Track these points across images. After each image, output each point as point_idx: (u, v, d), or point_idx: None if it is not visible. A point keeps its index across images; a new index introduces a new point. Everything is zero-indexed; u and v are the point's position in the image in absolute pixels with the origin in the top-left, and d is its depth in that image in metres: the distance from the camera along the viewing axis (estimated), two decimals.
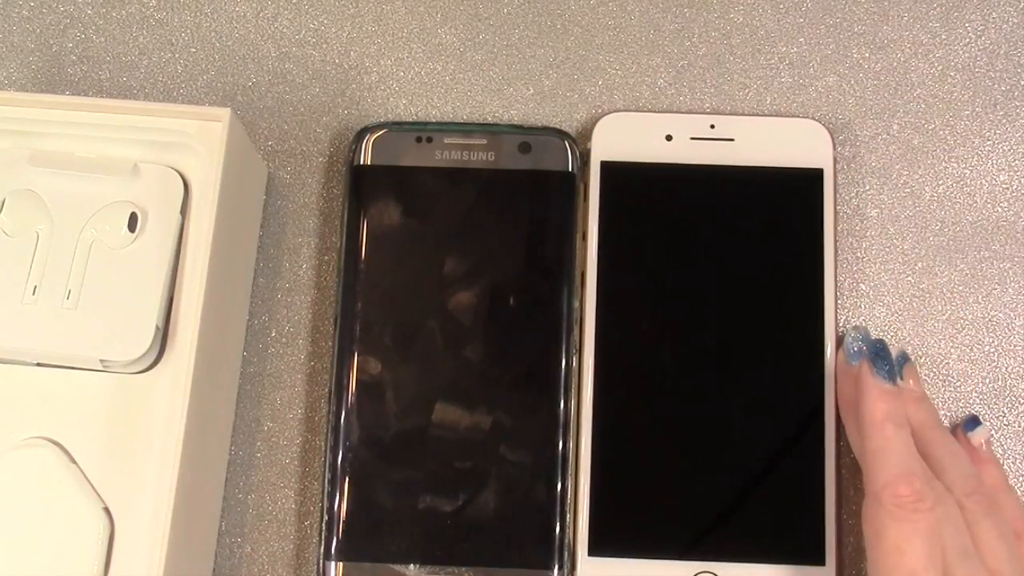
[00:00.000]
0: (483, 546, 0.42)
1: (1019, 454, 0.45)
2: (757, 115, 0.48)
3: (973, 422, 0.43)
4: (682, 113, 0.47)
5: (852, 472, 0.44)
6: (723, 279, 0.44)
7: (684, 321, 0.44)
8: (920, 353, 0.46)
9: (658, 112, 0.48)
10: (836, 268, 0.45)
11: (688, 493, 0.43)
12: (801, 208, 0.45)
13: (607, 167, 0.45)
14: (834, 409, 0.43)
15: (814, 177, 0.45)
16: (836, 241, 0.45)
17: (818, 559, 0.42)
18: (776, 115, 0.48)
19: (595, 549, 0.42)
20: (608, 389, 0.44)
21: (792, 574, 0.42)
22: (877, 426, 0.40)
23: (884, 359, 0.41)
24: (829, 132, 0.46)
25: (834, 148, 0.46)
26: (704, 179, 0.45)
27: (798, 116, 0.47)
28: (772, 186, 0.45)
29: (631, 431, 0.43)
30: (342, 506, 0.43)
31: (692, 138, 0.46)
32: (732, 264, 0.45)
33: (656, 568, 0.42)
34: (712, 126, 0.46)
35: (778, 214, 0.45)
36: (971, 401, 0.45)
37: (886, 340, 0.42)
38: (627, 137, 0.46)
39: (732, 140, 0.46)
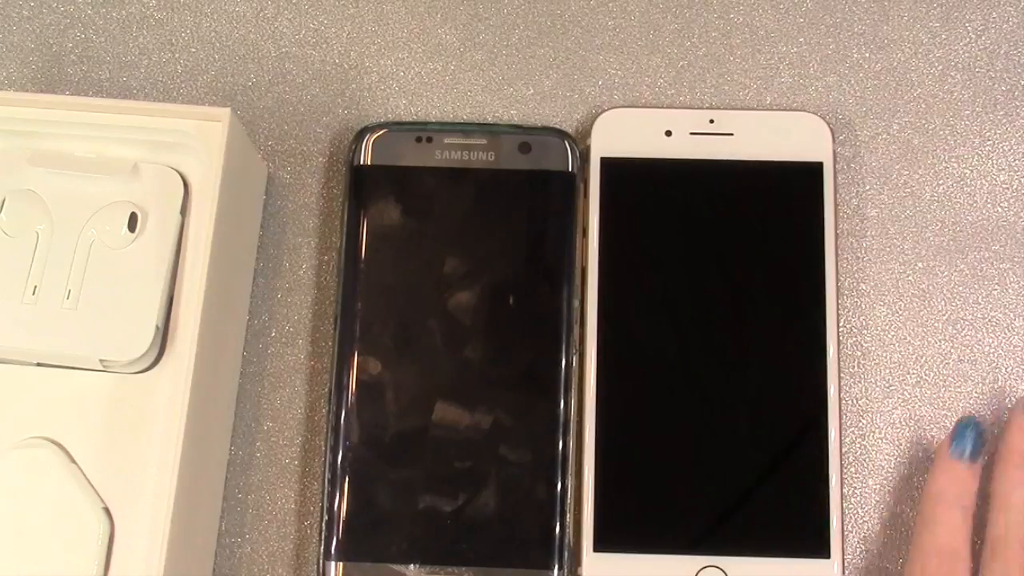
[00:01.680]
0: (483, 546, 0.42)
1: None
2: (756, 109, 0.48)
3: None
4: (681, 108, 0.48)
5: (855, 465, 0.44)
6: (724, 274, 0.44)
7: (686, 315, 0.44)
8: (920, 353, 0.46)
9: (657, 108, 0.48)
10: (837, 261, 0.45)
11: (693, 488, 0.43)
12: (802, 202, 0.45)
13: (607, 163, 0.45)
14: (837, 403, 0.43)
15: (814, 171, 0.45)
16: (837, 234, 0.45)
17: (823, 552, 0.42)
18: (775, 109, 0.48)
19: (600, 545, 0.42)
20: (611, 385, 0.44)
21: (797, 568, 0.42)
22: (930, 499, 0.41)
23: (963, 437, 0.41)
24: (828, 125, 0.46)
25: (834, 141, 0.46)
26: (704, 174, 0.45)
27: (797, 110, 0.48)
28: (772, 180, 0.45)
29: (635, 427, 0.43)
30: (342, 506, 0.43)
31: (691, 133, 0.46)
32: (733, 259, 0.45)
33: (661, 563, 0.42)
34: (711, 121, 0.46)
35: (778, 208, 0.45)
36: (971, 401, 0.45)
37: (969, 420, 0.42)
38: (627, 133, 0.46)
39: (731, 135, 0.46)
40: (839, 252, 0.45)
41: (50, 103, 0.43)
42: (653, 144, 0.46)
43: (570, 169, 0.45)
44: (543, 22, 0.49)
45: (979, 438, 0.41)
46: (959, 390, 0.45)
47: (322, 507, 0.43)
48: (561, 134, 0.46)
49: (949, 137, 0.48)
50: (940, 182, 0.47)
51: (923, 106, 0.48)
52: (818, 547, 0.42)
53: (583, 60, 0.49)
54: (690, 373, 0.44)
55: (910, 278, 0.46)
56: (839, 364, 0.44)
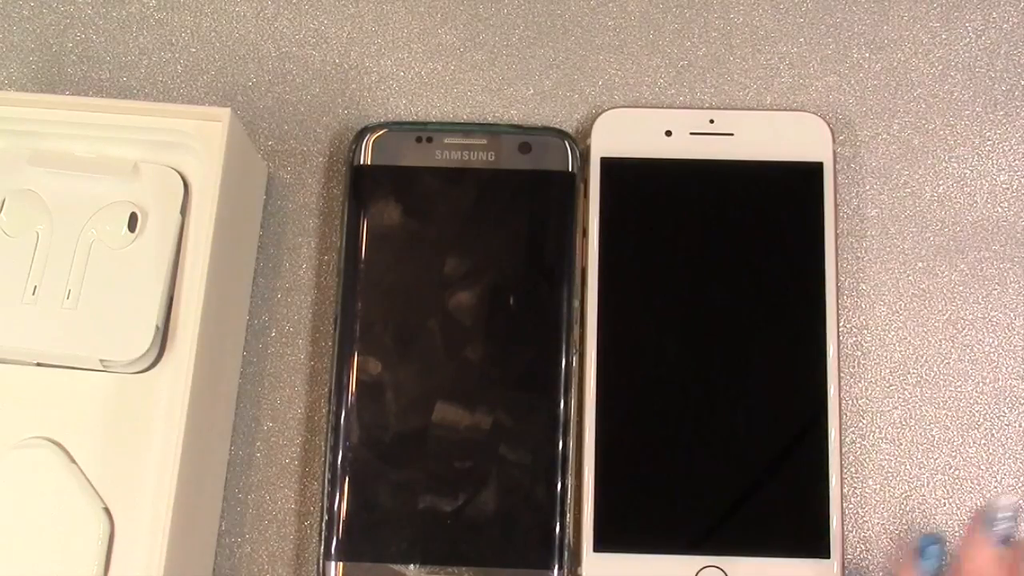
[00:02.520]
0: (483, 546, 0.42)
1: (1019, 454, 0.45)
2: (756, 109, 0.48)
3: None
4: (681, 108, 0.48)
5: (855, 465, 0.44)
6: (724, 274, 0.44)
7: (686, 315, 0.44)
8: (920, 353, 0.46)
9: (657, 108, 0.48)
10: (837, 261, 0.45)
11: (692, 488, 0.43)
12: (802, 202, 0.45)
13: (607, 163, 0.45)
14: (837, 403, 0.43)
15: (814, 171, 0.45)
16: (837, 234, 0.45)
17: (823, 552, 0.42)
18: (775, 109, 0.48)
19: (600, 545, 0.42)
20: (611, 385, 0.44)
21: (797, 567, 0.42)
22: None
23: (928, 556, 0.39)
24: (828, 125, 0.46)
25: (834, 141, 0.46)
26: (704, 174, 0.45)
27: (797, 110, 0.48)
28: (772, 180, 0.45)
29: (634, 427, 0.43)
30: (342, 506, 0.43)
31: (692, 133, 0.46)
32: (733, 259, 0.45)
33: (661, 563, 0.42)
34: (711, 121, 0.46)
35: (778, 208, 0.45)
36: (971, 401, 0.45)
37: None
38: (627, 133, 0.46)
39: (731, 135, 0.46)
40: (839, 252, 0.45)
41: (50, 103, 0.43)
42: (653, 144, 0.46)
43: (570, 169, 0.45)
44: (543, 22, 0.49)
45: (943, 557, 0.40)
46: (959, 390, 0.45)
47: (322, 507, 0.43)
48: (561, 134, 0.46)
49: (949, 137, 0.48)
50: (940, 182, 0.47)
51: (923, 106, 0.48)
52: (818, 547, 0.42)
53: (583, 60, 0.49)
54: (690, 373, 0.44)
55: (910, 278, 0.46)
56: (839, 364, 0.44)
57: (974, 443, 0.45)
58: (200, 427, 0.41)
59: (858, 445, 0.45)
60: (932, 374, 0.45)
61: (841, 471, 0.43)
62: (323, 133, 0.48)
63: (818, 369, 0.43)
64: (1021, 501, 0.39)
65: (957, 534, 0.44)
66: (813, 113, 0.46)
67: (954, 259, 0.46)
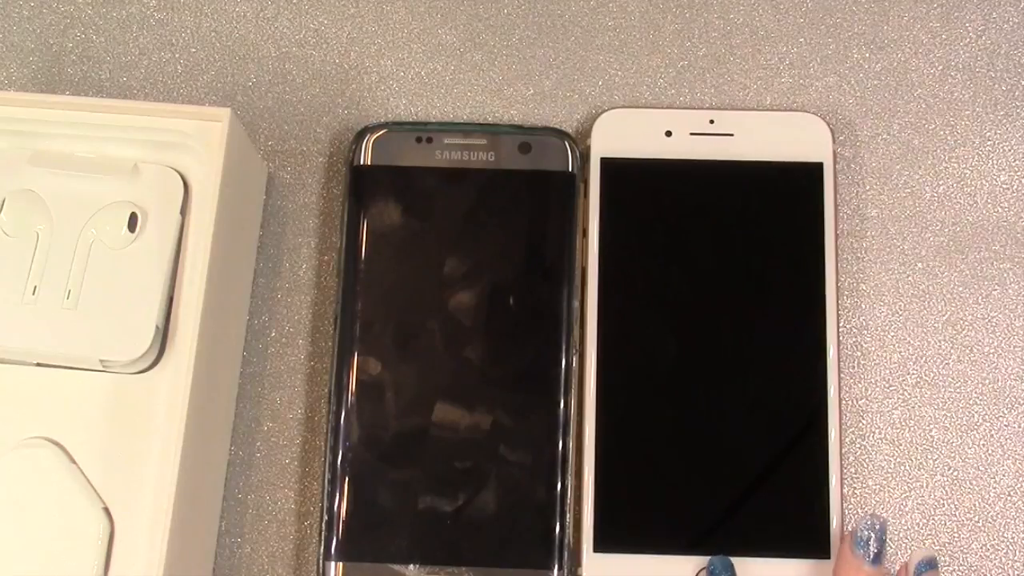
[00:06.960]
0: (483, 546, 0.42)
1: (1019, 454, 0.45)
2: (756, 110, 0.48)
3: (929, 565, 0.39)
4: (681, 108, 0.48)
5: (855, 465, 0.44)
6: (724, 274, 0.44)
7: (686, 316, 0.44)
8: (920, 353, 0.46)
9: (658, 108, 0.48)
10: (837, 261, 0.45)
11: (693, 488, 0.43)
12: (802, 202, 0.45)
13: (607, 163, 0.45)
14: (837, 403, 0.43)
15: (814, 171, 0.45)
16: (837, 234, 0.45)
17: (823, 552, 0.42)
18: (775, 109, 0.48)
19: (600, 545, 0.42)
20: (611, 385, 0.44)
21: (797, 568, 0.42)
22: None
23: (865, 542, 0.39)
24: (828, 125, 0.46)
25: (834, 142, 0.46)
26: (704, 174, 0.45)
27: (797, 110, 0.48)
28: (772, 181, 0.45)
29: (635, 427, 0.43)
30: (342, 506, 0.43)
31: (692, 133, 0.46)
32: (733, 259, 0.45)
33: (661, 563, 0.42)
34: (711, 121, 0.46)
35: (779, 209, 0.45)
36: (971, 401, 0.45)
37: (887, 521, 0.40)
38: (627, 133, 0.46)
39: (731, 135, 0.46)
40: (839, 252, 0.45)
41: (50, 103, 0.43)
42: (653, 144, 0.46)
43: (570, 169, 0.45)
44: (543, 22, 0.49)
45: (880, 543, 0.39)
46: (959, 390, 0.45)
47: (322, 507, 0.43)
48: (561, 134, 0.46)
49: (949, 137, 0.48)
50: (940, 182, 0.47)
51: (923, 106, 0.48)
52: (818, 547, 0.42)
53: (583, 60, 0.49)
54: (690, 373, 0.44)
55: (910, 278, 0.46)
56: (839, 364, 0.44)
57: (974, 443, 0.45)
58: (200, 427, 0.41)
59: (858, 445, 0.45)
60: (932, 374, 0.45)
61: (841, 471, 0.43)
62: (323, 133, 0.48)
63: (818, 369, 0.43)
64: (886, 520, 0.39)
65: (956, 535, 0.44)
66: (813, 113, 0.46)
67: (954, 259, 0.46)
